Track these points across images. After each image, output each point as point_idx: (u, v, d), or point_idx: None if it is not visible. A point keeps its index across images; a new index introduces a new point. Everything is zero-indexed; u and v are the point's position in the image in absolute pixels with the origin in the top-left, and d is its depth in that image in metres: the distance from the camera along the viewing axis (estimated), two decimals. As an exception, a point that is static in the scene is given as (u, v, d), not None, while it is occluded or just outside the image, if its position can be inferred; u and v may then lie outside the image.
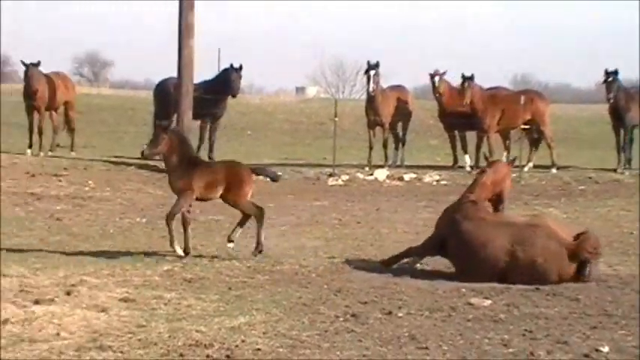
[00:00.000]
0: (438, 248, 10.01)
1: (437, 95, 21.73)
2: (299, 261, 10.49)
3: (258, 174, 11.06)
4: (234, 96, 21.91)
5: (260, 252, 10.57)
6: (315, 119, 34.46)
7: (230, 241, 10.77)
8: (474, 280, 9.23)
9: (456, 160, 22.16)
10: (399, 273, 9.89)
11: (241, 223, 10.86)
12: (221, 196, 10.78)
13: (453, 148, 22.33)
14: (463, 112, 21.37)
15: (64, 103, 22.75)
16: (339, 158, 22.03)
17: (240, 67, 21.63)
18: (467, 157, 21.83)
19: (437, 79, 21.55)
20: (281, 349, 6.73)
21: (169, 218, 10.55)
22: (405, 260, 10.30)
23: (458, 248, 9.67)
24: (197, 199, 10.82)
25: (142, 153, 10.92)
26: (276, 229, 13.14)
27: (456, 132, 22.24)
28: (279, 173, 11.51)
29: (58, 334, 6.85)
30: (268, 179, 11.38)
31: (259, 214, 10.66)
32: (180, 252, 10.47)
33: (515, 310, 8.13)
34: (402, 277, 9.69)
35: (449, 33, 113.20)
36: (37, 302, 7.75)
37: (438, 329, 7.40)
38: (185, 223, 10.67)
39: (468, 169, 21.34)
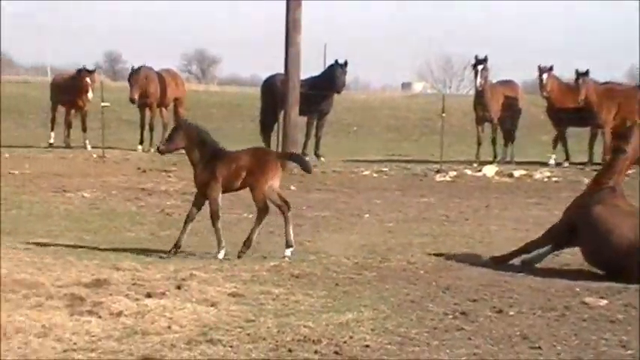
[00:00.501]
0: (567, 236, 9.77)
1: (544, 94, 21.30)
2: (406, 257, 10.37)
3: (292, 160, 10.69)
4: (339, 92, 21.93)
5: (248, 248, 10.14)
6: (421, 115, 34.19)
7: (289, 246, 10.25)
8: (604, 269, 9.16)
9: (567, 156, 21.66)
10: (510, 270, 9.69)
11: (286, 222, 10.32)
12: (247, 184, 10.37)
13: (564, 144, 21.85)
14: (573, 108, 20.89)
15: (174, 100, 23.19)
16: (447, 154, 21.80)
17: (346, 63, 21.63)
18: (554, 156, 21.38)
19: (545, 76, 21.09)
20: (390, 346, 6.66)
21: (214, 218, 10.33)
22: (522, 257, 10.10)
23: (589, 234, 9.44)
24: (225, 190, 10.50)
25: (158, 149, 10.94)
26: (383, 226, 13.07)
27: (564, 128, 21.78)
28: (314, 165, 11.03)
29: (169, 327, 6.93)
30: (300, 168, 10.86)
31: (263, 211, 10.22)
32: (221, 255, 10.12)
33: (634, 310, 7.84)
34: (512, 274, 9.48)
35: (559, 26, 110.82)
36: (149, 295, 7.87)
37: (551, 329, 7.20)
38: (188, 220, 10.44)
39: (552, 162, 20.96)
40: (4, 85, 37.02)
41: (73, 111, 22.99)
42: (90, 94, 22.16)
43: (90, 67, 22.71)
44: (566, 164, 21.17)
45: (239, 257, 10.05)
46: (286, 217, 10.32)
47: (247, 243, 10.20)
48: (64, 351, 6.32)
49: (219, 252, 10.18)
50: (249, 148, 10.99)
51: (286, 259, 10.00)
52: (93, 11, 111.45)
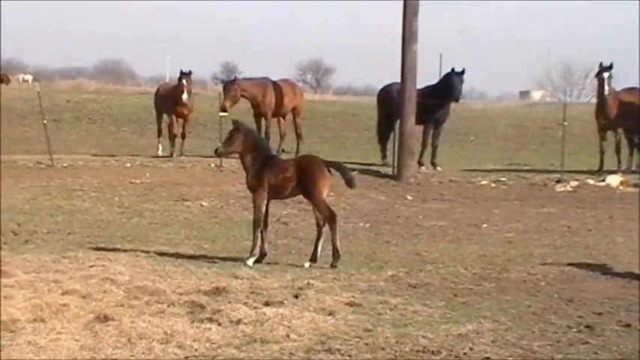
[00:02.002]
0: None
1: None
2: (527, 269, 10.14)
3: (335, 169, 10.35)
4: (457, 100, 21.70)
5: (338, 259, 10.01)
6: (541, 124, 33.51)
7: (312, 260, 10.08)
8: None
9: None
10: (636, 284, 9.33)
11: (319, 236, 10.20)
12: (303, 194, 10.31)
13: None
14: None
15: (292, 110, 23.36)
16: (568, 164, 21.26)
17: (463, 72, 21.39)
18: None
19: None
20: (511, 359, 6.49)
21: (255, 225, 10.25)
22: None
23: None
24: (273, 197, 10.41)
25: (216, 151, 10.91)
26: (502, 236, 12.83)
27: None
28: (355, 181, 10.64)
29: (287, 335, 6.94)
30: (343, 180, 10.46)
31: (331, 217, 10.08)
32: (250, 263, 10.04)
33: None
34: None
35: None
36: (267, 304, 7.90)
37: (681, 344, 6.89)
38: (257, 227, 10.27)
39: None
40: (125, 96, 38.17)
41: (178, 120, 23.02)
42: (185, 96, 22.14)
43: (185, 71, 22.70)
44: None
45: (333, 267, 9.92)
46: (319, 232, 10.20)
47: (336, 254, 10.06)
48: (186, 357, 6.40)
49: (248, 258, 10.14)
50: (298, 157, 10.94)
51: (305, 267, 9.95)
52: (213, 20, 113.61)
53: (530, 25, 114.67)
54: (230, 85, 22.41)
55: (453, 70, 21.58)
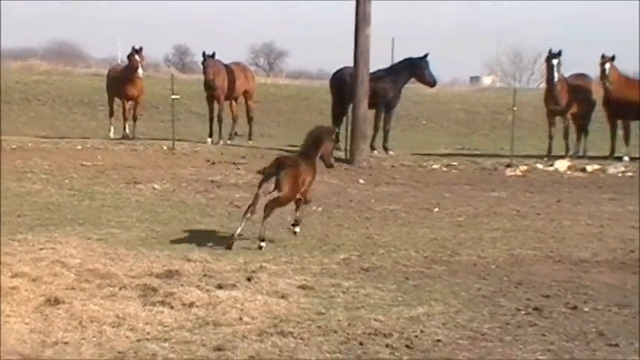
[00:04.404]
0: None
1: (606, 84, 20.86)
2: (477, 252, 10.28)
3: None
4: (432, 85, 22.21)
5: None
6: (491, 109, 33.80)
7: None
8: None
9: (613, 150, 21.21)
10: (583, 267, 9.51)
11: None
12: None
13: (613, 137, 21.40)
14: (633, 101, 20.50)
15: (244, 93, 23.28)
16: (518, 149, 21.51)
17: (425, 56, 21.60)
18: (627, 148, 20.91)
19: (607, 66, 20.67)
20: (461, 341, 6.59)
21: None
22: None
23: None
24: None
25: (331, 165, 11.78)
26: (453, 220, 12.96)
27: (620, 121, 21.37)
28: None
29: (240, 318, 6.97)
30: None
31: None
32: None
33: None
34: (586, 271, 9.31)
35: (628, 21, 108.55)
36: (220, 287, 7.92)
37: (628, 326, 7.04)
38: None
39: (627, 159, 20.47)
40: (76, 77, 37.72)
41: (129, 102, 22.88)
42: (140, 71, 22.00)
43: (137, 47, 22.44)
44: (626, 158, 20.68)
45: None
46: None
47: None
48: (138, 340, 6.39)
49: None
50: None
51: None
52: (165, 2, 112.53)
53: (482, 10, 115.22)
54: (212, 60, 22.26)
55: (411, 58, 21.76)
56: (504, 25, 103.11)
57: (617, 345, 6.50)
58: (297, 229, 11.07)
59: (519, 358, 6.23)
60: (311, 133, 11.29)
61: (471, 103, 35.40)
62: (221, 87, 22.34)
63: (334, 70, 23.44)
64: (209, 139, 22.20)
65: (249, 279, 8.31)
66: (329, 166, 11.70)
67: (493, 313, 7.41)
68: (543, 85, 22.54)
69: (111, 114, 23.54)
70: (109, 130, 23.08)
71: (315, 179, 11.41)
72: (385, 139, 21.88)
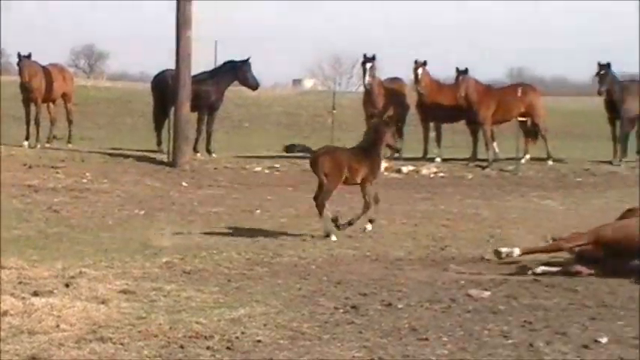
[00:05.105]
0: None
1: (419, 89, 21.78)
2: (298, 253, 10.49)
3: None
4: (254, 88, 22.30)
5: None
6: (312, 112, 34.45)
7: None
8: None
9: (426, 152, 22.19)
10: (398, 265, 9.90)
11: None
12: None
13: (426, 140, 22.39)
14: (443, 104, 21.54)
15: (62, 95, 22.71)
16: (337, 150, 21.97)
17: (247, 60, 21.76)
18: (438, 150, 21.93)
19: (420, 71, 21.58)
20: (281, 341, 6.73)
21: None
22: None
23: None
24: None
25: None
26: (275, 221, 13.16)
27: (432, 124, 22.37)
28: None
29: (57, 325, 6.84)
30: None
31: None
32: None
33: (514, 301, 8.12)
34: (401, 269, 9.69)
35: (446, 27, 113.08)
36: (35, 294, 7.74)
37: (437, 321, 7.40)
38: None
39: (439, 160, 21.46)
40: None
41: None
42: None
43: None
44: (438, 159, 21.61)
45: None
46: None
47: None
48: (-51, 352, 6.17)
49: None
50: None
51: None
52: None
53: (303, 14, 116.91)
54: (28, 61, 21.49)
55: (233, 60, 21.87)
56: (325, 30, 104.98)
57: (427, 339, 6.80)
58: (369, 227, 11.93)
59: (336, 355, 6.42)
60: (369, 128, 12.60)
61: (292, 105, 35.93)
62: (38, 89, 21.71)
63: (156, 73, 23.27)
64: (25, 143, 21.53)
65: (67, 285, 8.17)
66: (397, 151, 13.50)
67: (313, 313, 7.60)
68: (362, 89, 23.19)
69: None
70: None
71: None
72: (208, 142, 21.89)
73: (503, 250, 9.68)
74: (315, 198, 11.66)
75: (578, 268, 9.25)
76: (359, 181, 11.77)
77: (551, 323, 7.32)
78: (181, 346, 6.49)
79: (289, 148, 11.88)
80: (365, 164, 11.70)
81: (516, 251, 9.64)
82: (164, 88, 21.62)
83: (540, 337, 6.88)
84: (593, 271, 9.17)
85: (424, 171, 20.44)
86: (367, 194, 11.82)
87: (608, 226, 9.68)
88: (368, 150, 11.78)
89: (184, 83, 20.38)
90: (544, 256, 9.80)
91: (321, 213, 11.48)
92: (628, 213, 9.95)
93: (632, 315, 7.58)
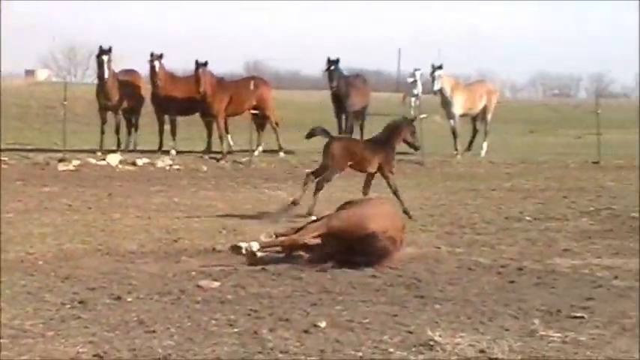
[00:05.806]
0: None
1: (155, 81, 21.79)
2: (25, 248, 10.21)
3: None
4: None
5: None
6: (45, 103, 33.30)
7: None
8: None
9: (161, 145, 22.31)
10: (130, 259, 9.87)
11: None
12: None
13: (161, 132, 22.51)
14: (178, 97, 21.76)
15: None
16: (71, 143, 21.52)
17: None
18: (173, 142, 22.11)
19: (156, 64, 21.60)
20: (2, 340, 6.54)
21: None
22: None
23: None
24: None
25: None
26: (2, 216, 12.66)
27: (167, 116, 22.52)
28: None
29: None
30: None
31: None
32: None
33: (242, 290, 8.34)
34: (132, 262, 9.68)
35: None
36: None
37: (166, 312, 7.47)
38: None
39: (174, 152, 21.64)
40: None
41: None
42: None
43: None
44: (173, 152, 21.72)
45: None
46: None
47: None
48: None
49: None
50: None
51: None
52: None
53: (40, 3, 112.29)
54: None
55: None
56: (60, 20, 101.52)
57: (154, 331, 6.85)
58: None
59: (60, 352, 6.34)
60: (388, 124, 13.18)
61: (24, 97, 34.60)
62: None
63: None
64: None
65: None
66: (416, 148, 13.78)
67: (37, 309, 7.44)
68: (97, 81, 22.78)
69: None
70: None
71: None
72: None
73: (243, 245, 9.79)
74: (315, 175, 13.17)
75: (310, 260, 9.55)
76: (372, 171, 12.96)
77: (275, 310, 7.60)
78: None
79: (310, 134, 12.62)
80: (379, 155, 12.83)
81: (255, 245, 9.75)
82: None
83: (265, 325, 7.12)
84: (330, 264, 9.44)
85: (159, 163, 20.45)
86: (391, 183, 12.95)
87: (335, 216, 9.98)
88: (383, 142, 12.94)
89: None
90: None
91: (316, 192, 12.95)
92: (347, 205, 10.43)
93: (351, 300, 8.03)
